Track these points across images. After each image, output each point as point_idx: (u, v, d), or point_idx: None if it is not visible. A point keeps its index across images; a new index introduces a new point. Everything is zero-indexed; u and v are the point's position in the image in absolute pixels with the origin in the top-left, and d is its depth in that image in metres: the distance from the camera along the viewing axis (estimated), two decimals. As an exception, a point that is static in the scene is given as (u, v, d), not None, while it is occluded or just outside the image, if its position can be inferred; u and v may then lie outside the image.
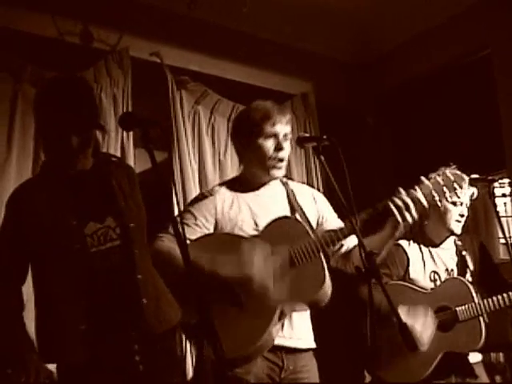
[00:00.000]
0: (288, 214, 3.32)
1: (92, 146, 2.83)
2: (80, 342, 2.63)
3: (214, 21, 5.43)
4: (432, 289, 3.87)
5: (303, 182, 5.51)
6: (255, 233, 3.22)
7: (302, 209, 3.35)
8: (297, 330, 3.20)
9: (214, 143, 5.56)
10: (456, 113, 5.72)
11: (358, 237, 2.73)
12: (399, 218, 3.08)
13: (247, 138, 3.33)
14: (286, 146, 3.32)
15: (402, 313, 3.53)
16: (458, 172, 3.20)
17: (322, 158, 2.88)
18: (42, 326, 2.76)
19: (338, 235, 3.13)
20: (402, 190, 3.11)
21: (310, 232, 3.19)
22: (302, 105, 5.97)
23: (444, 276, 3.91)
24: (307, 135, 3.24)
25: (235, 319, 2.99)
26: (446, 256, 4.00)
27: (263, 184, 3.39)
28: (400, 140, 6.29)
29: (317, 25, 5.85)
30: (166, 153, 2.81)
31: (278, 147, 3.28)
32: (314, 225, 3.36)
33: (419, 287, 3.87)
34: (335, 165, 2.79)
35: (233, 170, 5.52)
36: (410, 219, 3.09)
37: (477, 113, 5.58)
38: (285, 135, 3.32)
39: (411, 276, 3.90)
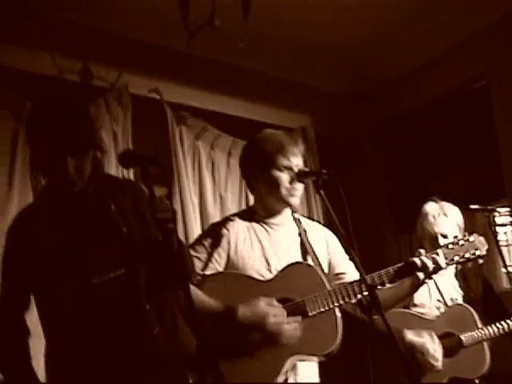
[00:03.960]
0: (299, 254, 3.25)
1: (90, 167, 2.65)
2: (80, 372, 2.54)
3: (212, 56, 5.45)
4: (437, 316, 3.87)
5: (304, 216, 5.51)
6: (267, 273, 3.14)
7: (313, 251, 3.26)
8: (300, 378, 3.09)
9: (214, 178, 5.58)
10: (454, 142, 5.72)
11: (358, 270, 2.71)
12: (422, 277, 3.13)
13: (260, 170, 3.25)
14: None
15: (410, 335, 3.61)
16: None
17: (322, 192, 2.88)
18: (49, 358, 2.67)
19: (355, 290, 3.06)
20: (422, 251, 3.16)
21: (326, 281, 3.12)
22: (302, 139, 5.94)
23: (449, 304, 3.93)
24: (307, 170, 3.24)
25: (244, 364, 2.93)
26: (448, 284, 4.02)
27: (277, 213, 3.30)
28: (398, 170, 6.27)
29: (314, 58, 5.88)
30: (166, 188, 2.76)
31: (295, 178, 3.19)
32: (326, 268, 3.28)
33: (424, 314, 3.87)
34: (335, 197, 2.78)
35: (233, 204, 5.53)
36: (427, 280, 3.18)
37: (475, 142, 5.57)
38: (297, 166, 3.22)
39: (415, 302, 3.90)
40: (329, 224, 3.32)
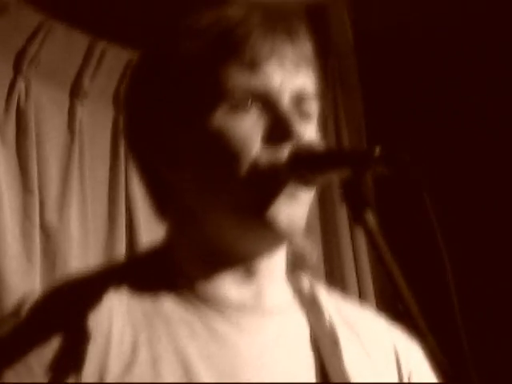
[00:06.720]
0: None
1: None
2: None
3: None
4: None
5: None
6: None
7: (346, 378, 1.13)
8: None
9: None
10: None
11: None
12: None
13: (178, 113, 1.07)
14: (307, 127, 1.06)
15: None
16: None
17: (371, 220, 0.90)
18: None
19: None
20: None
21: None
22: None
23: None
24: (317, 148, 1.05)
25: None
26: None
27: (231, 264, 1.09)
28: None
29: None
30: None
31: (279, 129, 1.03)
32: None
33: None
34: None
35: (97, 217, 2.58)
36: None
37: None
38: (299, 95, 1.07)
39: None
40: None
